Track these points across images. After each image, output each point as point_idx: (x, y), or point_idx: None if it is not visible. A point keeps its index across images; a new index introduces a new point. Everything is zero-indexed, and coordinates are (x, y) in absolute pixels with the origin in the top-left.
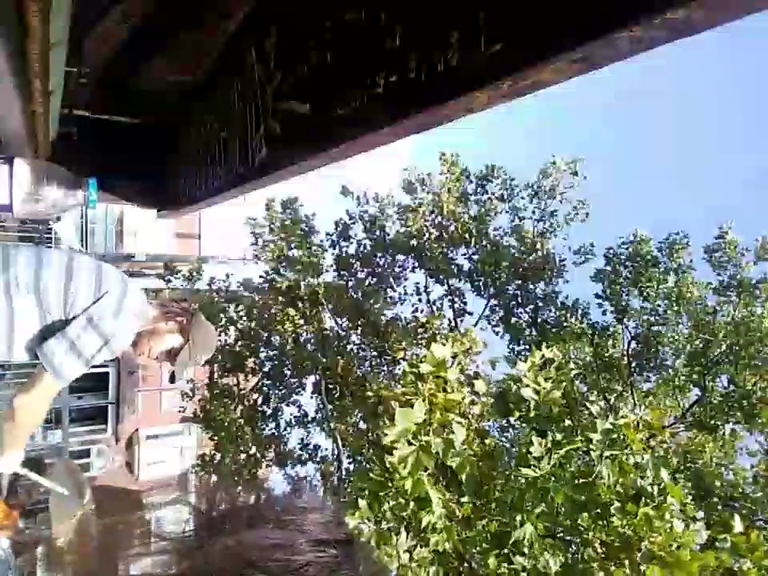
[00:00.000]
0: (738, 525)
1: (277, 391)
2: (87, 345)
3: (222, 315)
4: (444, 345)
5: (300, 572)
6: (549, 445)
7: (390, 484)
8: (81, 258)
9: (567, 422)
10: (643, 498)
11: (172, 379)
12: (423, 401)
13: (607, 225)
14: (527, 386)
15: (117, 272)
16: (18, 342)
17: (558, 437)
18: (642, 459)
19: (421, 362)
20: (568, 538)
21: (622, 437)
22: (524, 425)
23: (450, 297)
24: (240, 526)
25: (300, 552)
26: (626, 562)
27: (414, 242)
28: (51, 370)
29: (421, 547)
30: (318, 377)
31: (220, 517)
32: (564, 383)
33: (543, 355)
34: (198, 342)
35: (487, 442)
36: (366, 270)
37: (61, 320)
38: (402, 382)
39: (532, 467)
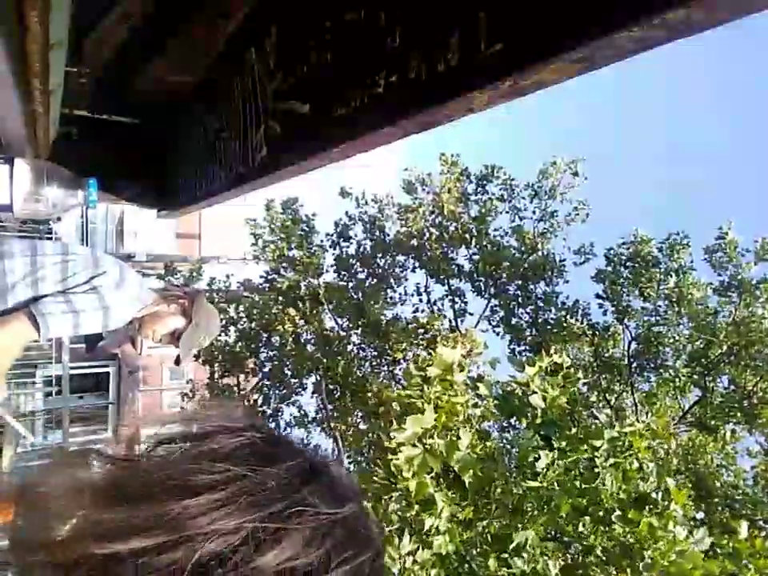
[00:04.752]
0: (743, 531)
1: (277, 391)
2: (82, 303)
3: (221, 315)
4: (451, 348)
5: None
6: (554, 454)
7: (394, 486)
8: (75, 247)
9: (573, 430)
10: (646, 506)
11: (177, 362)
12: (429, 404)
13: (607, 224)
14: (534, 392)
15: (112, 258)
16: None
17: (563, 444)
18: (648, 467)
19: (429, 364)
20: (569, 540)
21: (627, 444)
22: (528, 429)
23: (450, 297)
24: None
25: None
26: (628, 569)
27: (414, 242)
28: (36, 314)
29: (423, 549)
30: (318, 377)
31: None
32: (571, 389)
33: (553, 361)
34: (201, 324)
35: (488, 444)
36: (366, 270)
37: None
38: (406, 384)
39: (538, 479)
